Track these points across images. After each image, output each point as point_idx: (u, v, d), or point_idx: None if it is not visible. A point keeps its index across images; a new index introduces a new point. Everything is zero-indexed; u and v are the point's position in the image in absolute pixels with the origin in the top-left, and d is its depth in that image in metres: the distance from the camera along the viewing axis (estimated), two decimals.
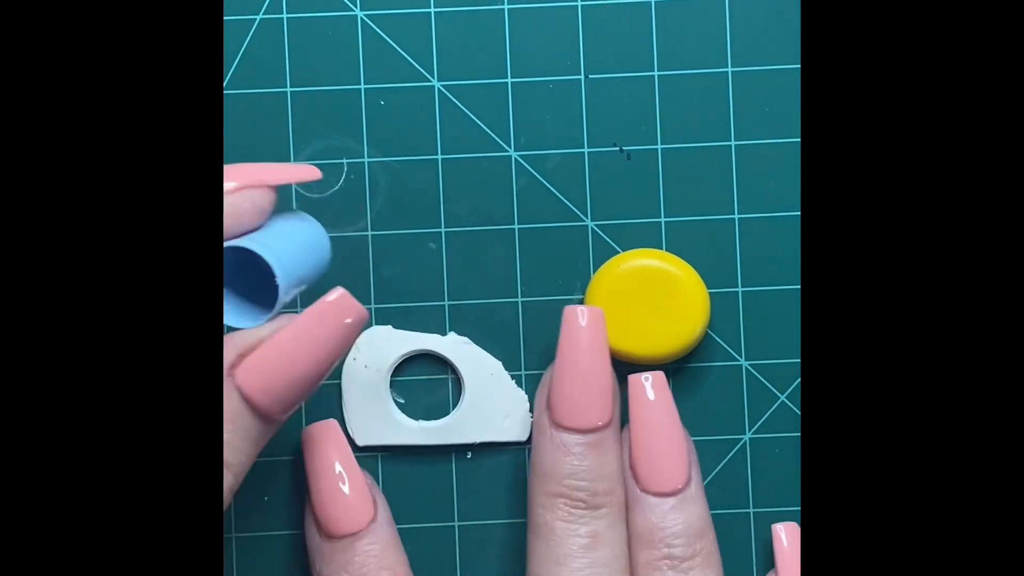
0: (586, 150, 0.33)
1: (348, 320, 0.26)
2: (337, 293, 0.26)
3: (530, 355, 0.33)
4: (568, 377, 0.29)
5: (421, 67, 0.33)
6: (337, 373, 0.32)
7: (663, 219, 0.33)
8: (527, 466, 0.33)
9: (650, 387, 0.30)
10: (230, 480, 0.26)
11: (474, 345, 0.32)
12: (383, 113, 0.33)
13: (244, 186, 0.26)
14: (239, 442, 0.26)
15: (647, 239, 0.33)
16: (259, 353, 0.26)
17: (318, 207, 0.32)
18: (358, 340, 0.32)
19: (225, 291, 0.26)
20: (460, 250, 0.33)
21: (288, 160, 0.33)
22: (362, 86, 0.33)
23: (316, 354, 0.26)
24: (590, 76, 0.33)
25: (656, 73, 0.33)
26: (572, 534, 0.29)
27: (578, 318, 0.30)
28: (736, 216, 0.33)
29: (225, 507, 0.25)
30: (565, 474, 0.29)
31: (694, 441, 0.32)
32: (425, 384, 0.33)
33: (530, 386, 0.33)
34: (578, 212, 0.33)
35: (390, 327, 0.32)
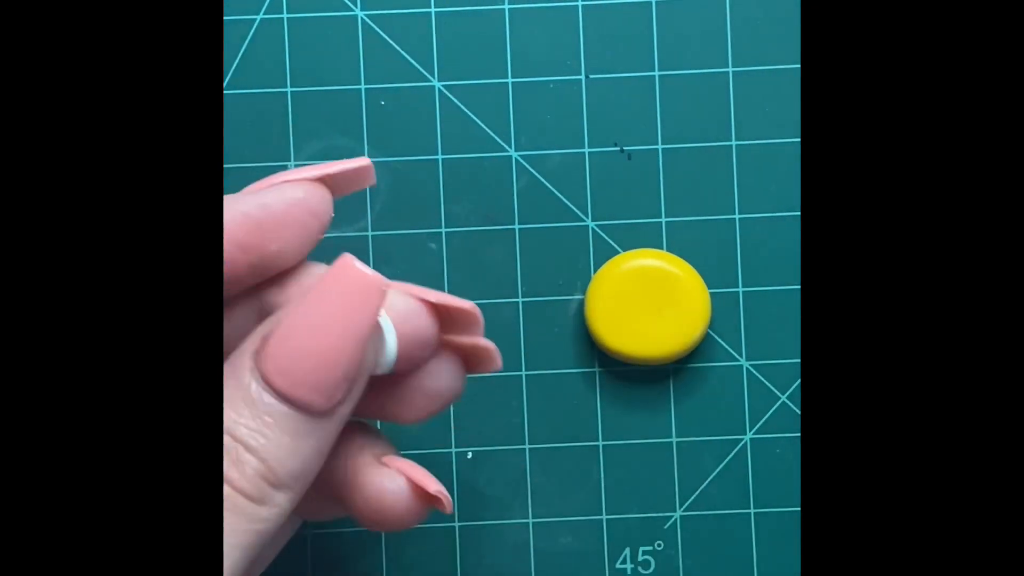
0: (586, 150, 0.33)
1: (361, 286, 0.23)
2: (343, 260, 0.23)
3: (530, 355, 0.33)
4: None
5: (421, 67, 0.33)
6: None
7: (663, 219, 0.33)
8: (527, 470, 0.33)
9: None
10: (282, 500, 0.22)
11: None
12: (383, 113, 0.33)
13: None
14: (282, 440, 0.22)
15: (647, 239, 0.33)
16: (275, 334, 0.23)
17: None
18: None
19: None
20: (460, 250, 0.33)
21: (288, 160, 0.33)
22: (362, 86, 0.33)
23: (335, 326, 0.22)
24: (590, 76, 0.33)
25: (656, 73, 0.33)
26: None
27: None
28: (736, 216, 0.33)
29: (292, 532, 0.23)
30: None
31: (695, 441, 0.32)
32: None
33: (530, 387, 0.33)
34: (578, 212, 0.33)
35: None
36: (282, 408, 0.22)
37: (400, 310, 0.24)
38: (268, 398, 0.22)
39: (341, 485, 0.26)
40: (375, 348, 0.24)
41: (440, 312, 0.25)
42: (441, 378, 0.26)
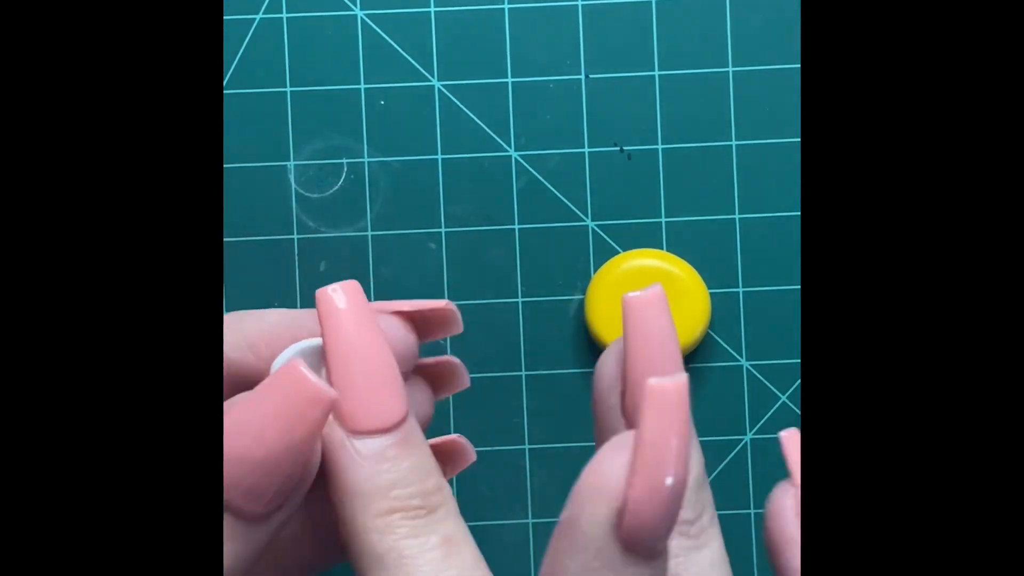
0: (586, 150, 0.33)
1: (301, 392, 0.21)
2: (290, 365, 0.22)
3: (530, 355, 0.33)
4: (348, 375, 0.23)
5: (421, 67, 0.33)
6: None
7: (663, 219, 0.33)
8: (527, 470, 0.33)
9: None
10: None
11: None
12: (383, 113, 0.33)
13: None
14: (225, 545, 0.22)
15: (647, 239, 0.33)
16: None
17: (318, 207, 0.32)
18: None
19: None
20: (460, 250, 0.33)
21: (288, 159, 0.33)
22: (362, 86, 0.33)
23: (273, 434, 0.21)
24: (590, 76, 0.33)
25: (656, 73, 0.33)
26: (426, 548, 0.24)
27: (333, 301, 0.23)
28: (736, 216, 0.33)
29: None
30: (389, 485, 0.23)
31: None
32: None
33: (530, 387, 0.33)
34: (578, 212, 0.33)
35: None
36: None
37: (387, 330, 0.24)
38: None
39: (332, 517, 0.24)
40: (317, 456, 0.23)
41: (415, 320, 0.24)
42: (414, 399, 0.25)
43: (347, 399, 0.23)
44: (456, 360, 0.25)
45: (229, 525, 0.22)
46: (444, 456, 0.26)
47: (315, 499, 0.25)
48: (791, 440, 0.25)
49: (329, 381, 0.23)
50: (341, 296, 0.23)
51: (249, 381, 0.24)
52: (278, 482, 0.22)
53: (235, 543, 0.22)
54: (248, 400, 0.22)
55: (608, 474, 0.22)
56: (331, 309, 0.23)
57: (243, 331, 0.25)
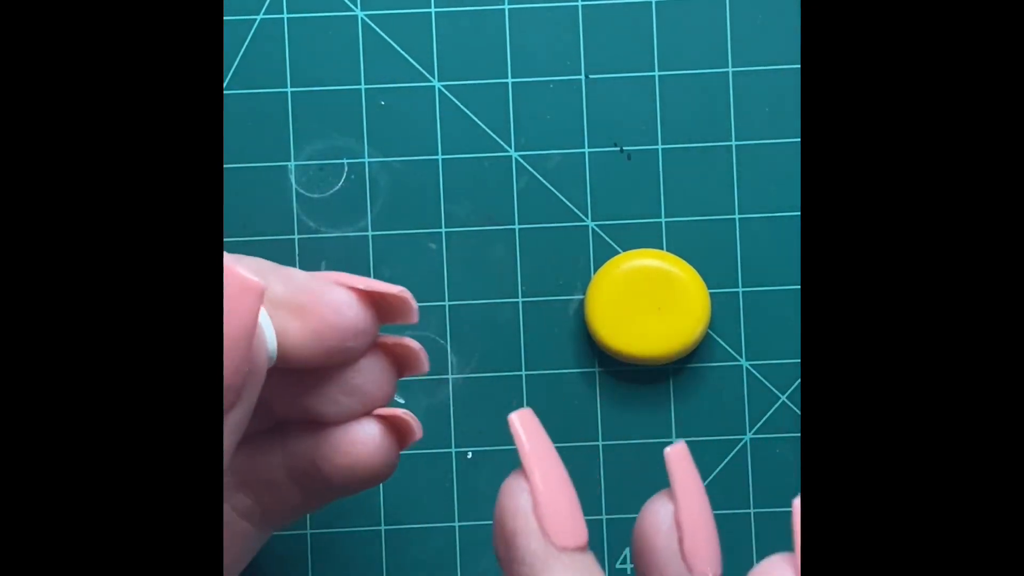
0: (586, 150, 0.33)
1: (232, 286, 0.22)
2: (225, 263, 0.23)
3: (530, 355, 0.33)
4: (553, 497, 0.24)
5: (421, 67, 0.33)
6: None
7: (663, 219, 0.33)
8: None
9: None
10: None
11: None
12: (383, 113, 0.33)
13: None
14: None
15: (647, 239, 0.33)
16: None
17: (318, 207, 0.32)
18: None
19: None
20: (460, 250, 0.33)
21: (288, 159, 0.33)
22: (362, 86, 0.33)
23: None
24: (590, 76, 0.33)
25: (656, 73, 0.33)
26: None
27: (518, 432, 0.25)
28: (736, 216, 0.33)
29: (259, 544, 0.23)
30: None
31: (695, 441, 0.32)
32: (425, 384, 0.33)
33: (530, 387, 0.33)
34: (578, 212, 0.33)
35: None
36: None
37: (331, 300, 0.24)
38: None
39: (312, 447, 0.26)
40: (261, 351, 0.23)
41: (374, 300, 0.25)
42: (369, 376, 0.25)
43: (555, 515, 0.24)
44: (415, 344, 0.26)
45: None
46: (399, 357, 0.26)
47: (296, 444, 0.26)
48: (676, 456, 0.26)
49: (535, 500, 0.24)
50: (522, 426, 0.25)
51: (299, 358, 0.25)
52: (225, 379, 0.22)
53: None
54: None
55: None
56: (518, 439, 0.25)
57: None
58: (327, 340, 0.24)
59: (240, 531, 0.26)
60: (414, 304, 0.25)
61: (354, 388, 0.25)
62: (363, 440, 0.25)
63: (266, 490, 0.26)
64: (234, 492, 0.26)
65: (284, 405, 0.26)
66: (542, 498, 0.24)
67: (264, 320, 0.24)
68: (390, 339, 0.26)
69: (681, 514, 0.25)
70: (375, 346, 0.26)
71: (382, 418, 0.26)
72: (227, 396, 0.23)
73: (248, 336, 0.23)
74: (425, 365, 0.26)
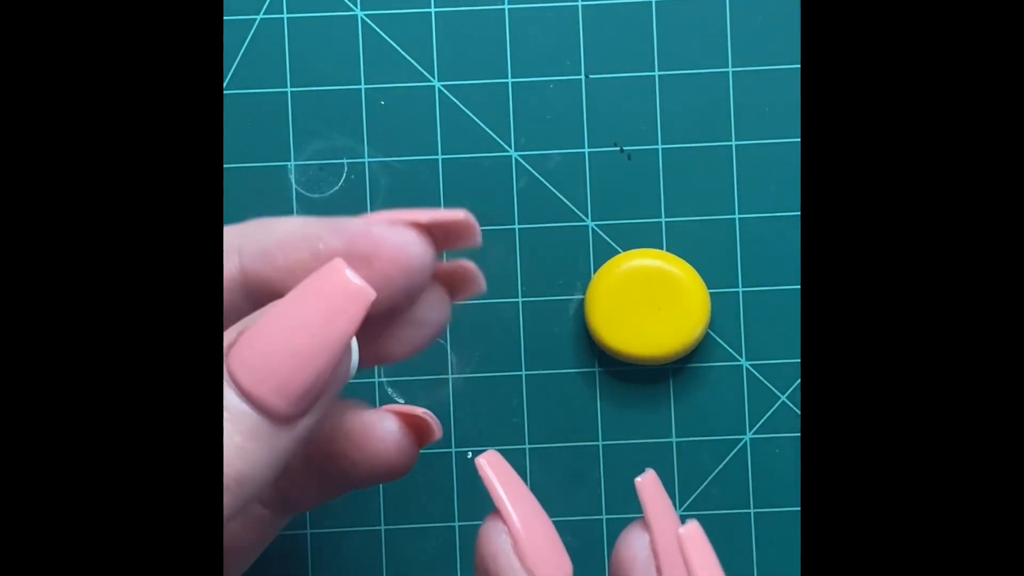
0: (586, 150, 0.33)
1: (345, 289, 0.22)
2: (333, 263, 0.22)
3: (530, 355, 0.33)
4: (532, 531, 0.25)
5: (421, 67, 0.33)
6: None
7: (663, 219, 0.33)
8: (527, 470, 0.33)
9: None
10: (238, 492, 0.21)
11: None
12: (383, 113, 0.33)
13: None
14: (233, 438, 0.21)
15: (647, 239, 0.33)
16: (250, 329, 0.22)
17: (318, 207, 0.32)
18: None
19: None
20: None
21: (288, 160, 0.33)
22: (362, 86, 0.33)
23: (313, 329, 0.22)
24: (590, 76, 0.33)
25: (656, 73, 0.33)
26: None
27: (488, 475, 0.25)
28: (736, 216, 0.33)
29: (227, 519, 0.21)
30: None
31: (695, 441, 0.32)
32: (425, 384, 0.33)
33: (530, 387, 0.33)
34: (578, 212, 0.33)
35: None
36: (241, 406, 0.21)
37: (396, 242, 0.23)
38: (229, 392, 0.21)
39: (331, 441, 0.25)
40: (348, 361, 0.23)
41: (433, 231, 0.24)
42: (431, 308, 0.25)
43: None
44: (471, 264, 0.25)
45: (253, 423, 0.21)
46: (452, 282, 0.25)
47: (315, 437, 0.25)
48: (647, 486, 0.26)
49: (515, 540, 0.24)
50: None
51: (269, 294, 0.23)
52: (309, 379, 0.22)
53: (255, 443, 0.21)
54: (289, 295, 0.22)
55: None
56: (492, 483, 0.25)
57: (258, 241, 0.24)
58: (398, 283, 0.23)
59: (257, 516, 0.26)
60: (477, 226, 0.24)
61: (417, 320, 0.25)
62: (382, 437, 0.25)
63: (283, 478, 0.26)
64: None
65: None
66: (522, 536, 0.24)
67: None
68: (446, 265, 0.25)
69: (657, 543, 0.25)
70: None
71: (402, 415, 0.25)
72: (305, 402, 0.22)
73: (345, 343, 0.22)
74: (483, 283, 0.25)
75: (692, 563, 0.24)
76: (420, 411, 0.25)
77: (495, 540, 0.24)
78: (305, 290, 0.22)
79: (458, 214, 0.24)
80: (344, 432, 0.25)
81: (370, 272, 0.23)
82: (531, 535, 0.24)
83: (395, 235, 0.23)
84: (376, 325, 0.25)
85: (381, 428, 0.25)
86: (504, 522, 0.24)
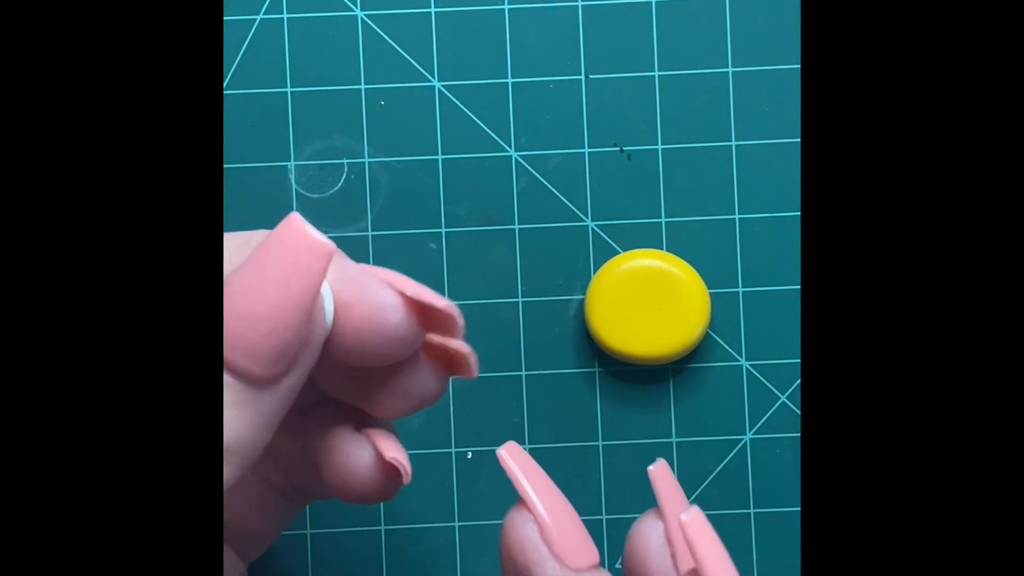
0: (586, 150, 0.33)
1: (302, 244, 0.22)
2: (288, 219, 0.22)
3: (530, 355, 0.33)
4: (560, 519, 0.24)
5: (421, 67, 0.33)
6: None
7: (663, 219, 0.33)
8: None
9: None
10: (232, 460, 0.21)
11: None
12: (383, 113, 0.33)
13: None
14: (230, 412, 0.21)
15: (647, 239, 0.33)
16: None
17: (318, 207, 0.32)
18: None
19: None
20: (460, 250, 0.33)
21: (288, 160, 0.33)
22: (362, 86, 0.33)
23: (276, 289, 0.21)
24: (590, 76, 0.33)
25: (656, 73, 0.33)
26: None
27: (510, 466, 0.25)
28: (736, 216, 0.33)
29: (226, 487, 0.21)
30: None
31: (695, 441, 0.32)
32: None
33: (530, 387, 0.33)
34: (578, 212, 0.33)
35: None
36: (228, 378, 0.21)
37: (377, 301, 0.23)
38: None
39: (319, 454, 0.25)
40: (322, 316, 0.22)
41: (421, 308, 0.24)
42: (416, 379, 0.24)
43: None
44: (467, 349, 0.25)
45: (234, 390, 0.21)
46: (447, 359, 0.25)
47: (313, 429, 0.25)
48: (659, 474, 0.26)
49: (543, 528, 0.24)
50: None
51: None
52: (283, 341, 0.21)
53: (240, 410, 0.21)
54: (249, 258, 0.22)
55: None
56: (514, 473, 0.24)
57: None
58: (367, 341, 0.23)
59: (270, 501, 0.26)
60: (461, 322, 0.24)
61: (398, 390, 0.24)
62: (355, 466, 0.24)
63: (292, 468, 0.26)
64: (263, 460, 0.25)
65: (329, 387, 0.25)
66: (549, 525, 0.24)
67: (324, 288, 0.23)
68: (438, 340, 0.25)
69: (671, 531, 0.25)
70: (423, 346, 0.24)
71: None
72: (281, 362, 0.22)
73: (310, 299, 0.21)
74: (474, 370, 0.25)
75: (696, 548, 0.24)
76: (389, 453, 0.24)
77: (522, 529, 0.24)
78: (264, 250, 0.22)
79: (440, 302, 0.24)
80: (323, 446, 0.25)
81: (344, 321, 0.23)
82: (558, 523, 0.24)
83: (378, 294, 0.23)
84: (354, 376, 0.24)
85: (355, 456, 0.24)
86: (530, 511, 0.24)
